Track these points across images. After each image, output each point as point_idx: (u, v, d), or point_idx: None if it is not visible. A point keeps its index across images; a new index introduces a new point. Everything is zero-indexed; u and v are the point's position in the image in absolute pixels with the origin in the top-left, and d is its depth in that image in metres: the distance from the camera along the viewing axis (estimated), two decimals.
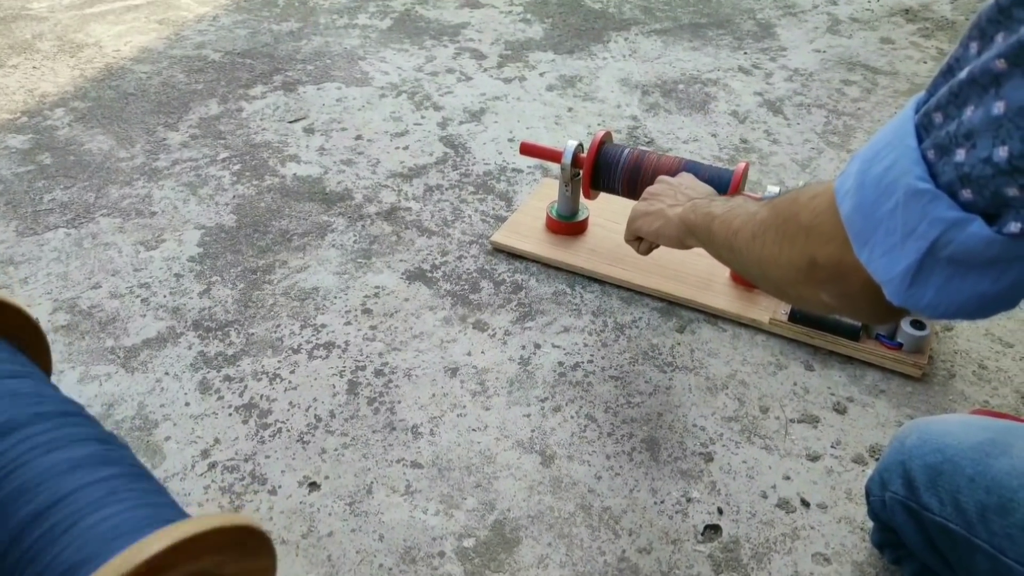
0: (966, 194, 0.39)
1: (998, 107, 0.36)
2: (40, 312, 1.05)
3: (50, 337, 0.99)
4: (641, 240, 0.94)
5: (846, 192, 0.45)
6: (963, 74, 0.38)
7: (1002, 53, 0.36)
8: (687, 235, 0.80)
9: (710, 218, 0.72)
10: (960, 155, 0.38)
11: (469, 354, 1.01)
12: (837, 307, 0.53)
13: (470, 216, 1.25)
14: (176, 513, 0.42)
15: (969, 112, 0.38)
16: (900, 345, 0.98)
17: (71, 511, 0.39)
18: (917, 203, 0.40)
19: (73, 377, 0.96)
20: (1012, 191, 0.37)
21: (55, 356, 0.98)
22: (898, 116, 0.43)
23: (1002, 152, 0.36)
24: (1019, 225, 0.38)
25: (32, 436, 0.42)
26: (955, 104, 0.39)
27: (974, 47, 0.39)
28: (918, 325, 0.97)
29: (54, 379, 0.68)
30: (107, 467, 0.42)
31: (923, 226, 0.40)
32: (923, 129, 0.41)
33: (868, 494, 0.72)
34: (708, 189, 0.90)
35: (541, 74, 1.68)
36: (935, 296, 0.42)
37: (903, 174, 0.41)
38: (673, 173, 1.05)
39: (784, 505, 0.83)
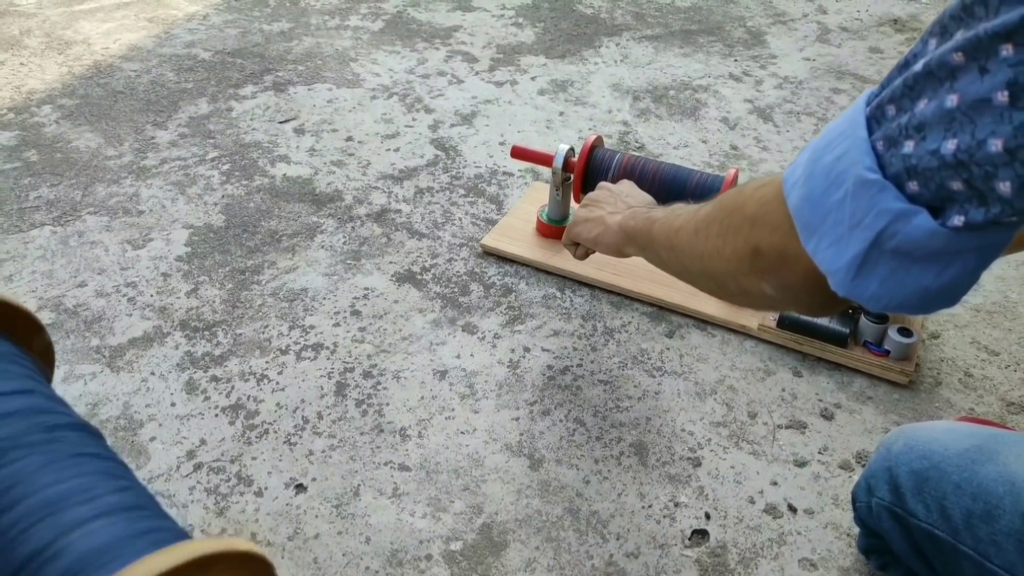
0: (912, 186, 0.39)
1: (951, 100, 0.36)
2: None
3: None
4: (578, 245, 0.94)
5: (795, 182, 0.45)
6: (918, 66, 0.38)
7: (960, 47, 0.36)
8: (626, 242, 0.80)
9: (650, 221, 0.72)
10: (908, 147, 0.38)
11: (458, 357, 1.00)
12: (778, 298, 0.52)
13: (460, 219, 1.25)
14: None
15: (922, 105, 0.38)
16: (887, 352, 0.98)
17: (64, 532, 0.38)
18: (865, 193, 0.40)
19: (57, 376, 0.95)
20: (956, 184, 0.37)
21: None
22: (850, 109, 0.43)
23: (950, 145, 0.36)
24: (962, 219, 0.38)
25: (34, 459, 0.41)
26: (909, 97, 0.39)
27: (933, 43, 0.38)
28: (905, 332, 0.98)
29: None
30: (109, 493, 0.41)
31: (869, 217, 0.40)
32: (874, 121, 0.41)
33: (854, 500, 0.73)
34: (648, 198, 0.88)
35: (533, 78, 1.68)
36: (879, 288, 0.42)
37: (853, 164, 0.41)
38: (662, 178, 1.05)
39: (771, 510, 0.84)
